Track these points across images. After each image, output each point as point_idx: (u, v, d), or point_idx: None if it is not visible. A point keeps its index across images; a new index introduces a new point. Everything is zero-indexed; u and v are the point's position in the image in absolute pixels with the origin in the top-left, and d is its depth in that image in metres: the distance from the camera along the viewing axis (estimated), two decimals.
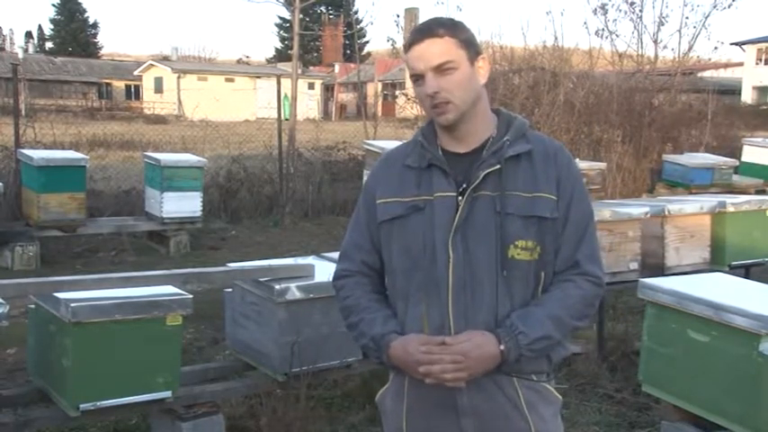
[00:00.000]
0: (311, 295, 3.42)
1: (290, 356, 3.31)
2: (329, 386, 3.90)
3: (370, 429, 3.57)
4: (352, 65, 40.03)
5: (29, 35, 63.67)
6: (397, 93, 28.80)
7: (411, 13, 14.34)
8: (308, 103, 35.66)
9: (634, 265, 4.60)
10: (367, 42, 52.20)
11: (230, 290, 3.73)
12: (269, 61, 59.50)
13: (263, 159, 10.75)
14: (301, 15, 10.81)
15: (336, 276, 1.85)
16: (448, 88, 1.65)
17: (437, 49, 1.64)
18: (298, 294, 3.38)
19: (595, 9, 12.74)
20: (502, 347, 1.60)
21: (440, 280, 1.65)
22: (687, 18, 13.62)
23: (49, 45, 61.26)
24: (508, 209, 1.65)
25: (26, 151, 7.45)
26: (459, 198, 1.67)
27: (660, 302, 3.11)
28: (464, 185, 1.67)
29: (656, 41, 12.74)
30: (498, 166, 1.67)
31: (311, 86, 44.01)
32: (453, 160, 1.71)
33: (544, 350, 1.66)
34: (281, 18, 58.13)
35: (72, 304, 2.82)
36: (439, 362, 1.58)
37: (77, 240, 7.71)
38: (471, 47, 1.68)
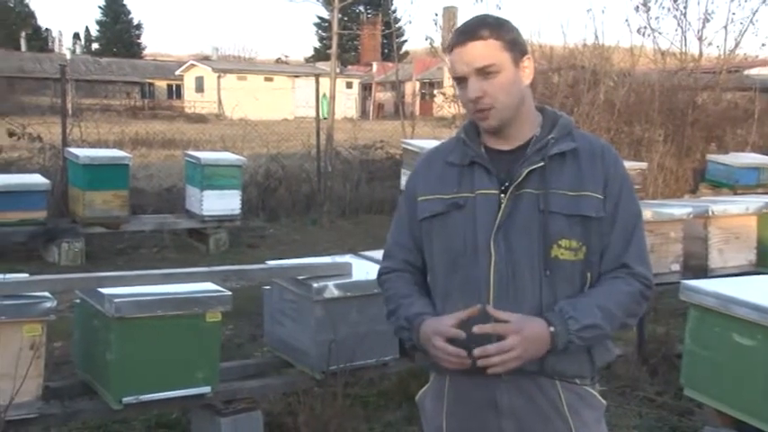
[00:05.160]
0: (348, 294, 3.43)
1: (327, 354, 3.33)
2: (366, 384, 3.92)
3: (407, 428, 3.58)
4: (390, 64, 40.03)
5: (76, 37, 65.29)
6: (435, 92, 28.72)
7: (449, 11, 14.32)
8: (346, 103, 35.81)
9: (676, 267, 4.52)
10: (405, 41, 52.08)
11: (269, 287, 3.76)
12: (307, 60, 59.87)
13: (302, 158, 10.84)
14: (340, 15, 10.85)
15: (380, 274, 1.86)
16: (491, 92, 1.62)
17: (480, 52, 1.61)
18: (335, 292, 3.40)
19: (637, 6, 12.43)
20: (551, 329, 1.57)
21: (481, 279, 1.63)
22: (734, 14, 13.19)
23: (95, 46, 62.68)
24: (552, 207, 1.62)
25: (72, 150, 7.64)
26: (502, 196, 1.64)
27: (703, 305, 3.05)
28: (507, 183, 1.65)
29: (700, 38, 12.43)
30: (542, 164, 1.65)
31: (349, 86, 44.17)
32: (496, 158, 1.69)
33: (593, 340, 1.63)
34: (319, 18, 58.50)
35: (115, 300, 2.88)
36: (486, 330, 1.54)
37: (120, 237, 7.87)
38: (516, 47, 1.64)
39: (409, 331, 1.69)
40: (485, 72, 1.62)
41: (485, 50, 1.61)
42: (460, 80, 1.66)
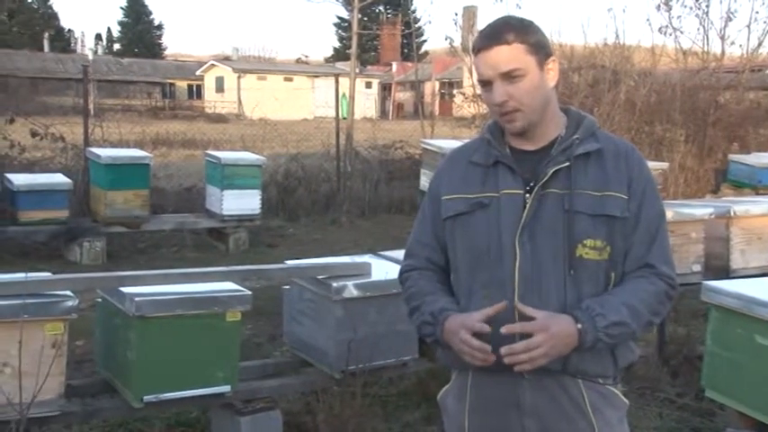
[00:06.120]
0: (368, 293, 3.44)
1: (346, 354, 3.34)
2: (385, 384, 3.92)
3: (426, 428, 3.57)
4: (410, 64, 40.04)
5: (98, 37, 66.02)
6: (455, 91, 28.67)
7: (469, 11, 14.29)
8: (366, 103, 35.90)
9: (697, 268, 4.47)
10: (425, 41, 52.06)
11: (288, 287, 3.78)
12: (327, 60, 60.04)
13: (321, 158, 10.88)
14: (360, 15, 10.86)
15: (401, 272, 1.87)
16: (516, 96, 1.63)
17: (504, 57, 1.61)
18: (354, 292, 3.40)
19: (659, 5, 12.32)
20: (579, 326, 1.56)
21: (506, 279, 1.64)
22: (757, 12, 13.08)
23: (116, 46, 63.36)
24: (577, 207, 1.62)
25: (94, 150, 7.72)
26: (527, 196, 1.65)
27: (725, 306, 3.02)
28: (532, 183, 1.66)
29: (722, 38, 12.28)
30: (567, 164, 1.65)
31: (369, 85, 44.23)
32: (521, 158, 1.70)
33: (620, 338, 1.62)
34: (339, 18, 58.68)
35: (136, 299, 2.91)
36: (514, 330, 1.54)
37: (141, 236, 7.94)
38: (541, 50, 1.65)
39: (433, 326, 1.69)
40: (510, 76, 1.62)
41: (510, 55, 1.61)
42: (485, 83, 1.66)
